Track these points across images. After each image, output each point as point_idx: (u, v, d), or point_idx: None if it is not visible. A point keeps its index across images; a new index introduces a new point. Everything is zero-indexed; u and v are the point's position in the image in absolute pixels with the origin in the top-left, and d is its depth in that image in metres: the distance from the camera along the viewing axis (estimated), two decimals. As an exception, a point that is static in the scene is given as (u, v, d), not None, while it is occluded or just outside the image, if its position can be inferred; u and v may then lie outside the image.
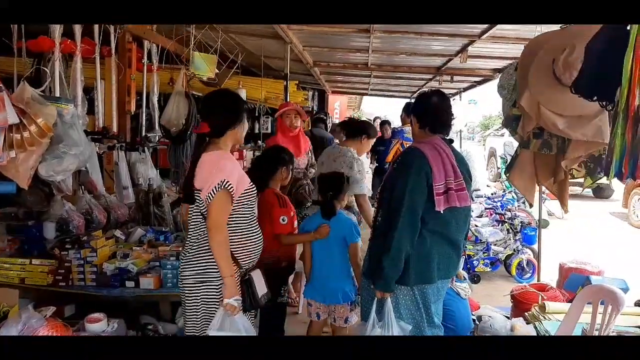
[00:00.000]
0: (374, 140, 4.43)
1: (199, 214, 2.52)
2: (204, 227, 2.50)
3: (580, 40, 2.70)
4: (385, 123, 9.11)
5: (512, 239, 5.89)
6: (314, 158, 4.73)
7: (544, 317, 3.56)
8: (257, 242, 2.67)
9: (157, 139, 5.02)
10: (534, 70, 3.20)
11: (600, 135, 3.00)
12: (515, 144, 3.99)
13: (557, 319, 3.42)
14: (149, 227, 4.17)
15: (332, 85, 11.81)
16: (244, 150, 6.77)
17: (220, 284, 2.47)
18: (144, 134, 4.93)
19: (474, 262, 5.79)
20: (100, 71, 4.24)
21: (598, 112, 2.94)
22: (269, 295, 2.68)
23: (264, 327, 3.23)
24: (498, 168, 13.56)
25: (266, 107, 8.36)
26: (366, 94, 14.23)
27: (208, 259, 2.49)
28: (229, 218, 2.51)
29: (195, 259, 2.54)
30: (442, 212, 2.57)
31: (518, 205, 6.63)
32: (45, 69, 3.47)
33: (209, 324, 2.46)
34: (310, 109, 10.09)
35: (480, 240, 5.83)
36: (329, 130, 8.57)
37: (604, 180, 3.65)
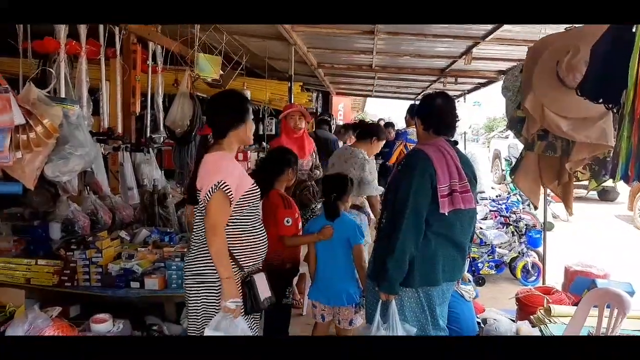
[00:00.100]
0: (384, 142, 4.53)
1: (202, 215, 2.53)
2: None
3: (584, 43, 2.70)
4: (388, 125, 9.08)
5: (517, 241, 5.88)
6: (318, 159, 4.74)
7: (550, 320, 3.55)
8: (260, 245, 2.65)
9: (161, 140, 5.03)
10: (538, 72, 3.20)
11: (604, 138, 3.00)
12: (520, 146, 3.99)
13: (562, 322, 3.41)
14: (154, 228, 4.18)
15: (336, 86, 11.80)
16: (249, 152, 6.78)
17: (221, 285, 2.47)
18: (148, 135, 4.95)
19: (479, 264, 5.78)
20: (105, 72, 4.26)
21: (602, 114, 2.94)
22: (273, 300, 2.67)
23: (268, 328, 3.23)
24: (502, 170, 13.51)
25: (270, 108, 8.35)
26: (370, 96, 14.20)
27: (209, 260, 2.49)
28: (230, 220, 2.51)
29: (197, 260, 2.55)
30: (446, 214, 2.57)
31: (523, 208, 6.63)
32: (51, 70, 3.48)
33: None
34: (314, 111, 10.07)
35: (485, 242, 5.82)
36: (333, 131, 8.57)
37: (609, 182, 3.63)
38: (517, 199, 7.08)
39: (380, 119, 12.86)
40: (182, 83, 4.70)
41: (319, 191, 4.20)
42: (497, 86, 7.41)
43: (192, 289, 2.56)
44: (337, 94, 13.25)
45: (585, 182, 3.74)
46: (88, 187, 4.19)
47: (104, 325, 2.97)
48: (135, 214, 4.52)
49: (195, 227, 2.60)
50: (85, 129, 3.13)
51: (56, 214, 3.82)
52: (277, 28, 4.96)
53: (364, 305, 3.15)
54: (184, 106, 4.58)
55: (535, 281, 5.61)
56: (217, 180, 2.42)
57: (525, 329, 3.57)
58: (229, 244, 2.49)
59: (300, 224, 3.39)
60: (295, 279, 3.75)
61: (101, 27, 3.97)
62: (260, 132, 8.62)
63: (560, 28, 3.39)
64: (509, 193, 7.29)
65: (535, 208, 5.44)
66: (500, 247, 5.86)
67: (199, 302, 2.55)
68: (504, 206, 6.74)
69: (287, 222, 3.22)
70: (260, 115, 8.56)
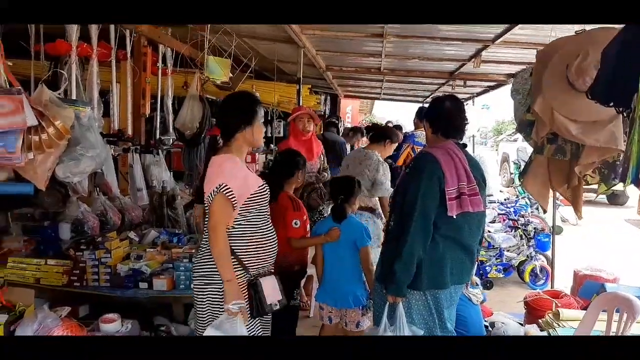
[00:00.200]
0: (396, 144, 4.60)
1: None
2: None
3: (594, 47, 2.69)
4: (396, 128, 9.08)
5: (525, 245, 5.85)
6: (326, 162, 4.75)
7: (558, 324, 3.53)
8: (268, 247, 2.64)
9: (171, 141, 5.06)
10: (548, 76, 3.18)
11: (613, 142, 2.98)
12: (529, 149, 3.98)
13: (571, 327, 3.40)
14: (163, 229, 4.21)
15: (345, 89, 11.80)
16: (257, 154, 6.80)
17: None
18: (158, 136, 4.98)
19: (487, 268, 5.76)
20: (116, 74, 4.29)
21: (612, 117, 2.92)
22: (284, 303, 2.65)
23: (275, 330, 3.23)
24: (511, 173, 13.45)
25: (279, 111, 8.38)
26: (378, 99, 14.18)
27: (214, 261, 2.50)
28: (236, 222, 2.51)
29: (204, 261, 2.56)
30: (454, 217, 2.56)
31: (531, 211, 6.59)
32: (62, 72, 3.51)
33: None
34: (322, 113, 10.08)
35: (493, 246, 5.80)
36: (341, 134, 8.58)
37: (618, 186, 3.61)
38: (526, 202, 7.04)
39: (388, 122, 12.83)
40: (192, 85, 4.74)
41: (326, 193, 4.21)
42: (506, 89, 7.41)
43: (199, 290, 2.58)
44: (346, 96, 13.24)
45: (595, 186, 3.72)
46: (98, 188, 4.21)
47: (112, 325, 2.99)
48: (144, 215, 4.54)
49: (205, 228, 2.62)
50: (96, 130, 3.16)
51: (66, 214, 3.85)
52: (286, 31, 4.98)
53: (371, 307, 3.14)
54: (193, 108, 4.61)
55: (543, 285, 5.58)
56: (218, 183, 2.43)
57: (534, 332, 3.55)
58: (235, 245, 2.50)
59: (308, 226, 3.39)
60: (303, 281, 3.76)
61: (112, 29, 4.00)
62: (269, 135, 8.65)
63: (570, 32, 3.37)
64: (517, 196, 7.26)
65: (544, 211, 5.42)
66: (508, 251, 5.84)
67: (204, 303, 2.56)
68: (512, 209, 6.71)
69: (296, 224, 3.23)
70: (269, 118, 8.58)
